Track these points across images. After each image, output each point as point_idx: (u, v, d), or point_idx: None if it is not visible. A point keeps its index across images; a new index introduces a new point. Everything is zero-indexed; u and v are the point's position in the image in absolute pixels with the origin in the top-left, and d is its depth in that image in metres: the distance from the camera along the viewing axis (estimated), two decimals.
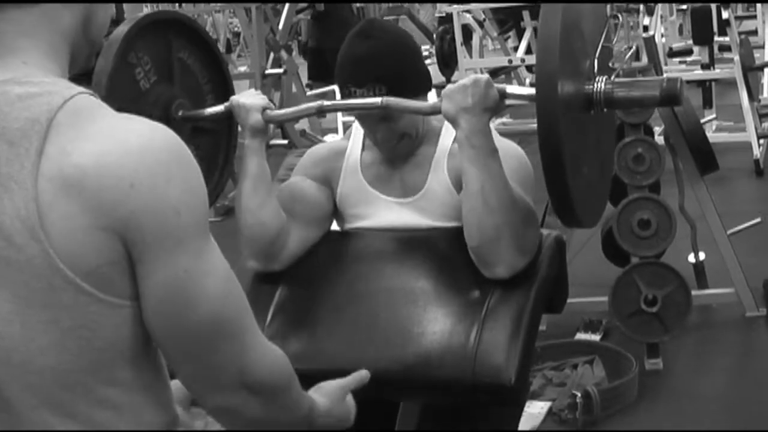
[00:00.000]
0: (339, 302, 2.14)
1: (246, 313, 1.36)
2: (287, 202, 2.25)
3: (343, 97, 2.19)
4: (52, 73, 1.28)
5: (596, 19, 2.16)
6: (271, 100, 2.22)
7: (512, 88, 2.06)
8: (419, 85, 2.18)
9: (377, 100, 2.06)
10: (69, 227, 1.19)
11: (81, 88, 1.26)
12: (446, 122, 2.24)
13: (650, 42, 4.56)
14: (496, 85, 2.03)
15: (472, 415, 2.22)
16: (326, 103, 2.22)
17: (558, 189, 1.91)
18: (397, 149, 2.21)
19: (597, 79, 2.02)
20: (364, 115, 2.18)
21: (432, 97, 2.33)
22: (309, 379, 2.09)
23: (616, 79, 2.06)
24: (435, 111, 2.06)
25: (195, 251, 1.27)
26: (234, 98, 2.21)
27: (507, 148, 2.17)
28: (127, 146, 1.22)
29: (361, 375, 1.76)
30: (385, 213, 2.24)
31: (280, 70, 7.81)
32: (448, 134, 2.23)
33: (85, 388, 1.26)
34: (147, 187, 1.21)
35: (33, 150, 1.19)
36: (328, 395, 1.65)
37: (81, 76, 1.40)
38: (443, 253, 2.17)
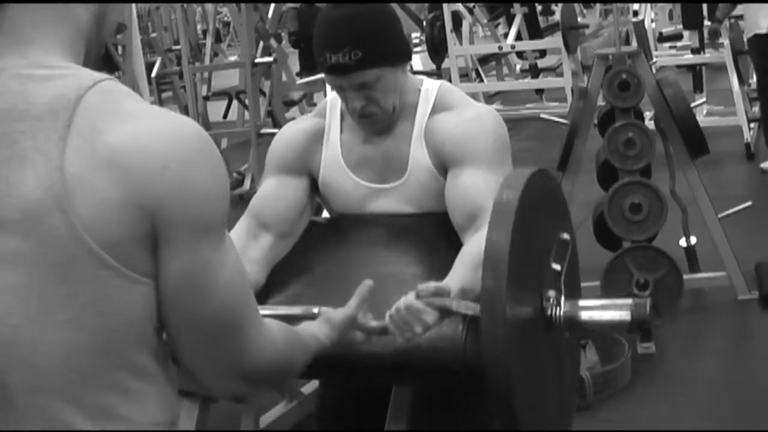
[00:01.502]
0: (330, 288, 2.14)
1: (252, 305, 1.40)
2: (263, 217, 2.22)
3: (319, 66, 2.14)
4: (73, 62, 1.30)
5: (552, 228, 1.92)
6: (261, 90, 2.19)
7: (457, 305, 1.84)
8: (395, 53, 2.14)
9: (315, 310, 1.86)
10: (95, 199, 1.19)
11: (107, 75, 1.28)
12: (422, 95, 2.22)
13: (639, 26, 4.55)
14: (439, 305, 1.84)
15: (463, 400, 2.22)
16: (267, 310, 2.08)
17: (505, 416, 1.70)
18: (375, 122, 2.16)
19: (557, 300, 1.82)
20: (340, 81, 2.13)
21: (418, 68, 2.29)
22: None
23: (581, 301, 1.86)
24: (384, 333, 1.91)
25: (215, 241, 1.30)
26: None
27: (481, 115, 2.16)
28: (160, 130, 1.24)
29: (365, 287, 1.84)
30: (369, 201, 2.23)
31: (270, 59, 7.80)
32: (423, 107, 2.20)
33: (95, 370, 1.26)
34: (179, 172, 1.23)
35: (60, 123, 1.20)
36: (337, 328, 1.76)
37: None
38: (432, 238, 2.17)
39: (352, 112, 2.17)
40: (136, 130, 1.22)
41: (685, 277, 4.14)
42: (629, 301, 1.84)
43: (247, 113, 8.32)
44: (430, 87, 2.23)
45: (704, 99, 8.30)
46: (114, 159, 1.20)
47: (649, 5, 9.43)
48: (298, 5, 10.40)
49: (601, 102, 4.69)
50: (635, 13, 7.65)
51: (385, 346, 1.99)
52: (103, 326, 1.24)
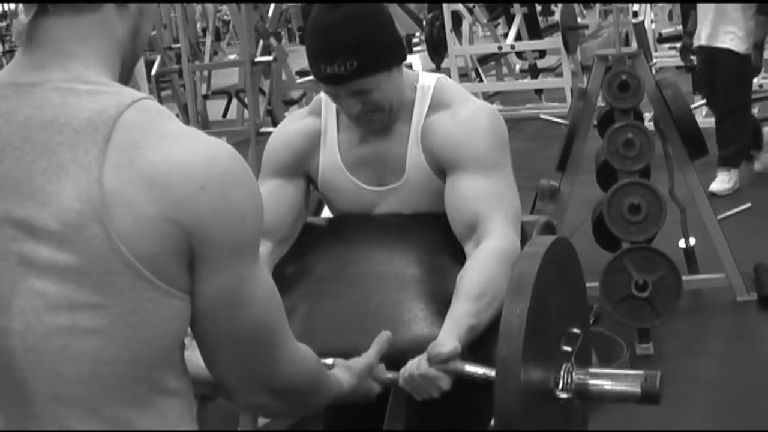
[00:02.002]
0: (329, 288, 2.14)
1: (283, 321, 1.43)
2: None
3: (314, 74, 2.12)
4: (113, 79, 1.32)
5: (573, 298, 1.95)
6: (260, 88, 2.18)
7: (470, 369, 1.87)
8: (391, 57, 2.11)
9: (329, 361, 1.85)
10: (133, 213, 1.21)
11: (147, 95, 1.30)
12: (419, 92, 2.20)
13: (640, 27, 4.56)
14: (452, 369, 1.87)
15: (462, 399, 2.22)
16: None
17: None
18: (373, 123, 2.15)
19: (568, 369, 1.81)
20: (335, 90, 2.11)
21: (418, 68, 2.27)
22: None
23: (592, 369, 1.85)
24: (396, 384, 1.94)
25: (252, 259, 1.33)
26: None
27: (479, 112, 2.15)
28: (199, 151, 1.26)
29: (383, 338, 1.87)
30: (369, 202, 2.23)
31: (270, 58, 7.80)
32: (420, 106, 2.18)
33: (120, 382, 1.26)
34: (217, 191, 1.25)
35: (100, 137, 1.21)
36: (357, 375, 1.79)
37: None
38: (432, 238, 2.17)
39: (349, 116, 2.15)
40: (176, 149, 1.24)
41: (684, 278, 4.15)
42: (640, 372, 1.84)
43: (246, 112, 8.33)
44: (427, 83, 2.20)
45: (704, 100, 8.30)
46: (153, 176, 1.22)
47: (648, 6, 9.43)
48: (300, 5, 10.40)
49: (600, 103, 4.69)
50: (635, 14, 7.68)
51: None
52: (134, 338, 1.24)
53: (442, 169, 2.14)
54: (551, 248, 1.80)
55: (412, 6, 11.68)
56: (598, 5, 15.71)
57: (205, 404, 2.53)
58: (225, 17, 18.00)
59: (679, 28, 9.55)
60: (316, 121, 2.27)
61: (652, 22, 9.95)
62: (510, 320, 1.68)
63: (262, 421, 3.48)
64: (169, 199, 1.22)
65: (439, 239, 2.15)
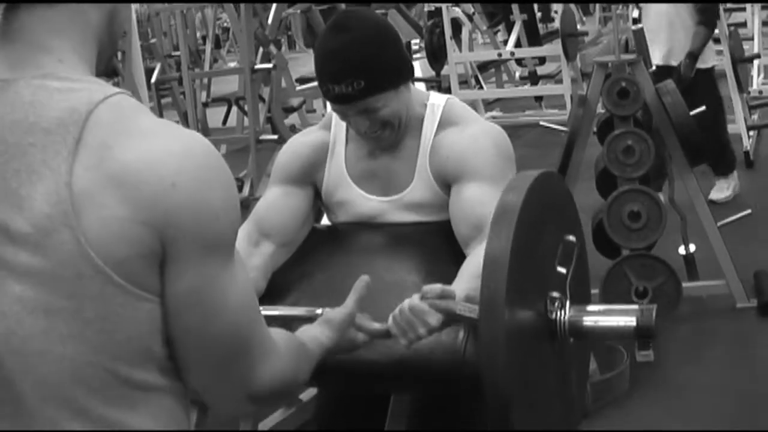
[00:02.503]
0: (329, 296, 2.13)
1: (258, 325, 1.38)
2: (266, 225, 2.23)
3: (323, 94, 2.16)
4: (87, 72, 1.30)
5: (565, 233, 1.84)
6: (260, 96, 2.20)
7: (462, 311, 1.78)
8: (398, 75, 2.14)
9: (318, 311, 1.84)
10: (102, 216, 1.19)
11: (121, 89, 1.27)
12: (428, 110, 2.22)
13: (639, 34, 4.56)
14: (443, 307, 1.79)
15: (461, 408, 2.22)
16: (270, 311, 1.97)
17: (502, 427, 1.59)
18: (381, 140, 2.18)
19: (560, 305, 1.74)
20: (344, 109, 2.14)
21: (420, 87, 2.30)
22: None
23: (586, 307, 1.78)
24: (387, 337, 1.88)
25: (224, 260, 1.29)
26: None
27: (485, 131, 2.16)
28: (170, 147, 1.23)
29: (361, 284, 1.80)
30: (371, 212, 2.23)
31: (270, 65, 7.80)
32: (430, 123, 2.20)
33: (102, 384, 1.25)
34: (189, 189, 1.22)
35: (70, 138, 1.20)
36: (337, 328, 1.73)
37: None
38: (432, 246, 2.17)
39: (358, 133, 2.18)
40: (146, 147, 1.21)
41: (683, 285, 4.15)
42: (635, 307, 1.77)
43: (246, 119, 8.32)
44: (437, 102, 2.23)
45: (704, 107, 8.30)
46: (123, 176, 1.20)
47: None
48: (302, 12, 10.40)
49: (600, 109, 4.70)
50: (635, 21, 7.65)
51: (385, 354, 1.99)
52: (108, 341, 1.24)
53: (448, 183, 2.15)
54: (538, 181, 1.70)
55: (412, 13, 11.68)
56: (597, 12, 15.71)
57: (204, 409, 2.54)
58: (225, 25, 18.00)
59: None
60: (325, 134, 2.31)
61: None
62: (493, 255, 1.57)
63: (262, 428, 3.48)
64: (139, 199, 1.20)
65: (439, 247, 2.16)
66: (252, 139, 7.57)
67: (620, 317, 1.76)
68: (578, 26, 10.95)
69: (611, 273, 4.10)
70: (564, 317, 1.73)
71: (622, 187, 4.24)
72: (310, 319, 1.79)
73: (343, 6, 8.05)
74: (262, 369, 1.37)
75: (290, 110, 8.69)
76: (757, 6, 9.45)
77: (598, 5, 15.44)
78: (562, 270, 1.76)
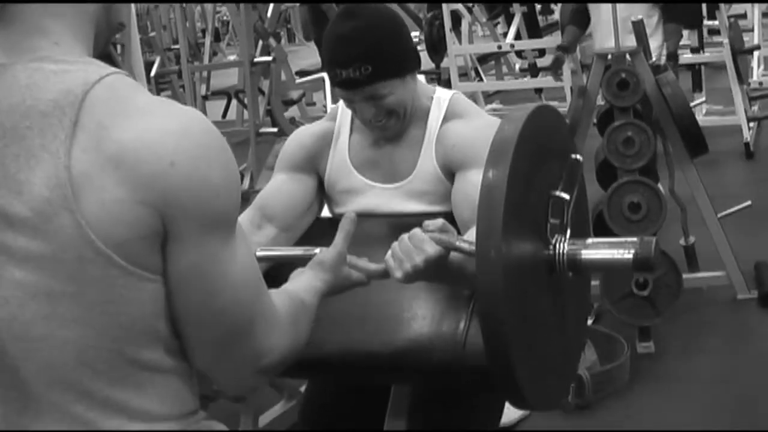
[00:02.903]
0: None
1: (261, 299, 1.38)
2: (269, 209, 2.25)
3: (329, 79, 2.19)
4: (83, 53, 1.30)
5: (563, 166, 1.80)
6: (260, 89, 2.22)
7: (462, 244, 1.76)
8: (405, 64, 2.17)
9: (316, 250, 1.85)
10: (102, 198, 1.19)
11: (116, 69, 1.28)
12: (434, 102, 2.24)
13: (639, 25, 4.54)
14: (441, 239, 1.78)
15: (461, 399, 2.22)
16: (267, 251, 2.06)
17: (500, 367, 1.55)
18: (387, 129, 2.20)
19: (558, 239, 1.71)
20: (351, 95, 2.16)
21: (420, 78, 2.31)
22: (300, 366, 2.10)
23: (585, 240, 1.74)
24: (386, 276, 1.87)
25: (225, 236, 1.29)
26: None
27: (491, 128, 2.14)
28: (168, 126, 1.23)
29: (347, 221, 1.82)
30: (373, 199, 2.24)
31: (269, 58, 7.79)
32: (436, 114, 2.22)
33: (106, 366, 1.26)
34: (188, 168, 1.23)
35: (67, 120, 1.20)
36: (330, 268, 1.75)
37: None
38: None
39: (364, 122, 2.20)
40: (143, 126, 1.22)
41: (684, 276, 4.14)
42: (634, 239, 1.72)
43: (246, 112, 8.32)
44: (443, 96, 2.26)
45: (703, 98, 8.30)
46: (121, 157, 1.20)
47: None
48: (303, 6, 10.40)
49: (600, 101, 4.69)
50: None
51: (385, 345, 1.99)
52: (112, 324, 1.24)
53: (452, 172, 2.16)
54: (535, 114, 1.66)
55: (411, 6, 11.66)
56: None
57: (205, 404, 2.53)
58: (224, 18, 18.00)
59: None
60: (330, 124, 2.34)
61: None
62: (489, 188, 1.53)
63: (262, 421, 3.48)
64: (138, 179, 1.20)
65: None
66: (252, 132, 7.56)
67: (618, 249, 1.71)
68: None
69: None
70: (563, 250, 1.70)
71: (622, 179, 4.24)
72: (307, 259, 1.80)
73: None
74: (266, 342, 1.38)
75: (290, 103, 8.68)
76: None
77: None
78: (560, 201, 1.72)
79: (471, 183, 2.10)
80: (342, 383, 2.32)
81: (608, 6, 4.94)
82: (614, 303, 4.06)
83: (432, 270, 1.77)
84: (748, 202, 4.92)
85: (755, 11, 9.28)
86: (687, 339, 4.20)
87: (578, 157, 1.78)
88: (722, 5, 7.74)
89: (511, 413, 3.50)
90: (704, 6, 8.57)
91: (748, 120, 7.45)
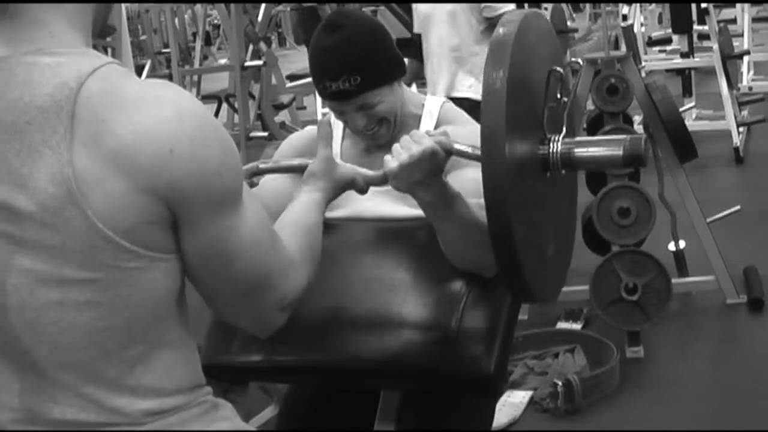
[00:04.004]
0: (318, 292, 2.13)
1: (275, 250, 1.43)
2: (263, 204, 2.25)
3: (319, 92, 2.19)
4: (79, 43, 1.31)
5: (552, 69, 1.89)
6: (250, 93, 2.23)
7: (460, 146, 1.88)
8: (392, 71, 2.18)
9: (310, 161, 1.91)
10: (106, 190, 1.21)
11: (109, 58, 1.29)
12: (425, 110, 2.24)
13: (629, 31, 4.56)
14: (439, 140, 1.87)
15: (450, 404, 2.22)
16: (261, 165, 2.11)
17: (506, 261, 1.69)
18: (378, 137, 2.21)
19: (553, 139, 1.83)
20: (341, 107, 2.17)
21: (414, 88, 2.32)
22: (289, 370, 2.10)
23: (576, 138, 1.85)
24: (382, 182, 1.96)
25: (233, 208, 1.32)
26: None
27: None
28: (162, 113, 1.25)
29: (322, 123, 1.91)
30: (364, 201, 2.24)
31: (260, 62, 7.80)
32: (428, 121, 2.23)
33: (117, 345, 1.29)
34: (187, 153, 1.25)
35: (65, 114, 1.21)
36: (322, 175, 1.83)
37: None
38: (423, 243, 2.17)
39: (355, 131, 2.21)
40: (139, 117, 1.23)
41: (673, 281, 4.15)
42: (624, 136, 1.84)
43: (236, 116, 8.33)
44: (434, 104, 2.28)
45: (693, 103, 8.32)
46: (120, 150, 1.21)
47: (638, 9, 9.45)
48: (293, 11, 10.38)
49: (589, 106, 4.70)
50: (624, 18, 7.68)
51: (375, 351, 1.99)
52: (124, 305, 1.27)
53: (445, 173, 2.16)
54: (528, 18, 1.75)
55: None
56: (587, 9, 15.72)
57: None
58: (215, 21, 17.97)
59: (669, 31, 9.57)
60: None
61: (641, 25, 9.96)
62: (492, 86, 1.63)
63: (252, 425, 3.47)
64: (139, 170, 1.22)
65: (430, 243, 2.15)
66: (242, 136, 7.57)
67: (609, 147, 1.83)
68: (568, 23, 10.95)
69: (601, 269, 4.11)
70: (557, 149, 1.81)
71: (612, 184, 4.25)
72: (303, 169, 1.87)
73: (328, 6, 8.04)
74: (286, 285, 1.44)
75: (280, 107, 8.70)
76: (747, 2, 9.47)
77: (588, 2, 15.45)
78: (554, 102, 1.83)
79: (466, 179, 2.10)
80: (330, 388, 2.32)
81: (437, 36, 4.83)
82: (604, 308, 4.06)
83: (426, 168, 1.85)
84: (738, 207, 4.94)
85: (745, 16, 9.32)
86: (676, 344, 4.21)
87: (579, 60, 1.92)
88: (712, 11, 7.77)
89: (501, 417, 3.51)
90: (694, 11, 8.59)
91: (738, 125, 7.47)
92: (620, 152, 1.80)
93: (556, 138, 1.82)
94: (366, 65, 2.10)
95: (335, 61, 2.10)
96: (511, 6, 4.80)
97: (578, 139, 1.85)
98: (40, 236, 1.22)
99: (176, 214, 1.27)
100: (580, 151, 1.82)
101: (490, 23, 4.75)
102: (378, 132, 2.20)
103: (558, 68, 1.86)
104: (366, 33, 2.13)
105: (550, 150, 1.81)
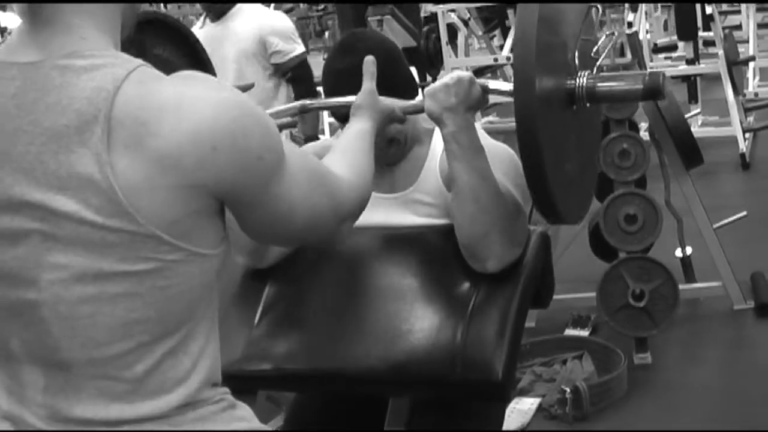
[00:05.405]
0: (326, 301, 2.15)
1: (328, 181, 1.51)
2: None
3: (332, 113, 2.22)
4: (109, 47, 1.34)
5: (577, 12, 2.12)
6: None
7: (494, 84, 2.08)
8: (404, 94, 2.18)
9: (352, 98, 2.04)
10: (150, 187, 1.24)
11: (141, 61, 1.31)
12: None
13: (634, 38, 4.57)
14: (478, 80, 2.05)
15: (460, 410, 2.23)
16: (308, 102, 2.23)
17: (537, 184, 1.87)
18: (387, 156, 2.22)
19: (578, 74, 2.00)
20: None
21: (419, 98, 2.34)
22: (297, 379, 2.11)
23: (599, 74, 2.03)
24: (418, 110, 2.08)
25: (279, 177, 1.37)
26: None
27: (495, 147, 2.19)
28: (200, 112, 1.27)
29: (369, 61, 2.06)
30: (373, 210, 2.25)
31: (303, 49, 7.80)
32: (440, 135, 2.24)
33: (150, 337, 1.31)
34: (228, 147, 1.28)
35: (102, 117, 1.23)
36: (369, 106, 1.97)
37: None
38: (430, 250, 2.18)
39: None
40: (178, 117, 1.26)
41: (680, 287, 4.15)
42: (644, 72, 2.04)
43: None
44: None
45: (699, 109, 8.32)
46: (163, 150, 1.24)
47: (643, 16, 9.45)
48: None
49: None
50: (630, 25, 7.67)
51: (382, 360, 2.00)
52: (161, 297, 1.29)
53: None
54: None
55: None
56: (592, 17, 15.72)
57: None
58: None
59: (674, 38, 9.57)
60: (333, 140, 2.41)
61: (647, 32, 9.97)
62: (523, 28, 1.82)
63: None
64: (183, 169, 1.25)
65: (437, 250, 2.17)
66: None
67: (630, 81, 2.02)
68: None
69: (608, 276, 4.11)
70: (582, 83, 1.98)
71: (618, 191, 4.26)
72: (349, 105, 2.01)
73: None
74: (343, 210, 1.53)
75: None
76: (752, 8, 9.47)
77: (592, 9, 15.44)
78: (589, 36, 2.07)
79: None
80: (338, 396, 2.33)
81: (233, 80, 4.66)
82: (611, 314, 4.07)
83: (462, 95, 2.03)
84: (744, 213, 4.94)
85: (750, 22, 9.31)
86: (684, 350, 4.21)
87: (597, 5, 2.14)
88: (717, 17, 7.77)
89: (509, 424, 3.51)
90: (699, 17, 8.59)
91: (744, 131, 7.47)
92: (640, 86, 1.97)
93: (583, 73, 1.99)
94: (379, 87, 2.10)
95: (347, 82, 2.12)
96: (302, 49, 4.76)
97: (602, 74, 2.02)
98: (78, 232, 1.24)
99: (225, 200, 1.32)
100: (603, 86, 1.99)
101: (277, 68, 4.78)
102: (387, 152, 2.21)
103: (598, 5, 2.10)
104: (379, 56, 2.14)
105: (577, 84, 1.98)
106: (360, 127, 1.87)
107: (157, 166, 1.24)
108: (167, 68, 2.30)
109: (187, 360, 1.35)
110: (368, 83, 2.00)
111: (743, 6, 10.31)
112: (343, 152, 1.71)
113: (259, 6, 5.02)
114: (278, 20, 4.95)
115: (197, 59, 2.46)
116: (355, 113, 1.94)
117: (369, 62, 2.04)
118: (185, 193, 1.26)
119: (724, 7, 11.17)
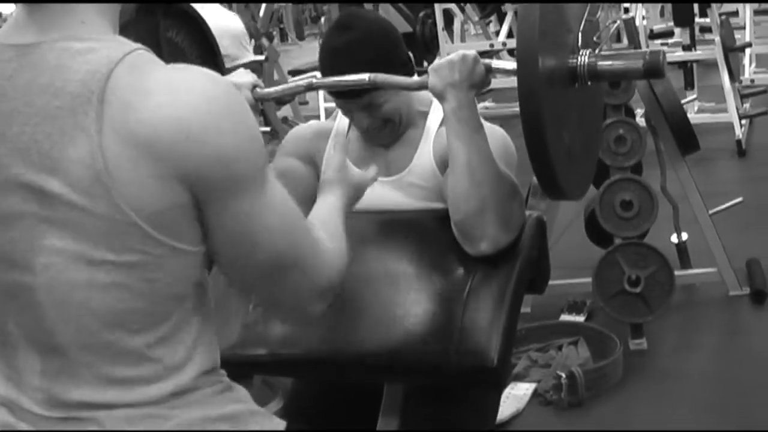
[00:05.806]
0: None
1: (305, 233, 1.43)
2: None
3: (328, 90, 2.22)
4: (108, 31, 1.34)
5: None
6: None
7: (498, 63, 2.09)
8: (400, 72, 2.19)
9: (365, 76, 2.08)
10: (132, 174, 1.24)
11: (138, 45, 1.31)
12: (433, 106, 2.26)
13: (630, 24, 4.56)
14: (482, 60, 2.06)
15: (455, 397, 2.23)
16: (315, 80, 2.22)
17: (539, 158, 1.89)
18: (382, 136, 2.23)
19: (580, 53, 2.02)
20: (348, 105, 2.19)
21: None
22: (293, 365, 2.11)
23: (600, 53, 2.06)
24: (422, 86, 2.09)
25: (255, 192, 1.33)
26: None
27: (491, 130, 2.19)
28: (181, 100, 1.27)
29: (340, 135, 2.06)
30: (369, 192, 2.25)
31: (261, 57, 7.80)
32: (434, 117, 2.25)
33: (140, 326, 1.32)
34: (200, 139, 1.27)
35: (95, 99, 1.24)
36: (339, 182, 1.82)
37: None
38: (425, 235, 2.18)
39: (361, 130, 2.23)
40: (158, 102, 1.25)
41: (676, 273, 4.15)
42: (645, 50, 2.10)
43: None
44: None
45: (695, 96, 8.31)
46: (143, 134, 1.24)
47: (640, 2, 9.43)
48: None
49: None
50: (626, 11, 7.66)
51: (378, 346, 2.00)
52: (148, 289, 1.30)
53: (447, 165, 2.17)
54: None
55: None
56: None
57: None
58: None
59: (670, 24, 9.55)
60: (330, 123, 2.40)
61: (643, 18, 9.94)
62: (527, 12, 1.84)
63: None
64: (158, 154, 1.24)
65: (432, 235, 2.17)
66: None
67: (630, 59, 2.04)
68: None
69: (604, 262, 4.11)
70: (584, 61, 2.01)
71: (614, 177, 4.25)
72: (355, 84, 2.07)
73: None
74: (317, 271, 1.44)
75: (282, 102, 8.68)
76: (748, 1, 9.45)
77: None
78: (594, 17, 2.14)
79: None
80: (334, 382, 2.33)
81: None
82: (607, 300, 4.07)
83: (465, 73, 2.04)
84: (740, 199, 4.93)
85: (747, 9, 9.29)
86: (679, 336, 4.21)
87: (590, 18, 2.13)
88: (713, 3, 7.75)
89: (504, 409, 3.51)
90: (695, 4, 8.57)
91: (740, 117, 7.46)
92: (640, 65, 2.00)
93: (584, 52, 2.02)
94: (374, 65, 2.12)
95: (344, 60, 2.13)
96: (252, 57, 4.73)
97: (603, 53, 2.05)
98: (70, 216, 1.25)
99: (198, 199, 1.29)
100: (605, 64, 2.02)
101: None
102: (382, 132, 2.22)
103: (588, 19, 2.12)
104: (376, 35, 2.17)
105: (579, 62, 2.01)
106: (332, 201, 1.76)
107: (136, 150, 1.24)
108: (177, 53, 2.31)
109: (182, 348, 1.36)
110: (339, 156, 1.88)
111: None
112: (323, 222, 1.61)
113: (216, 6, 4.97)
114: (231, 22, 4.90)
115: (208, 49, 2.45)
116: (323, 189, 1.82)
117: (341, 134, 2.08)
118: (165, 185, 1.26)
119: None
